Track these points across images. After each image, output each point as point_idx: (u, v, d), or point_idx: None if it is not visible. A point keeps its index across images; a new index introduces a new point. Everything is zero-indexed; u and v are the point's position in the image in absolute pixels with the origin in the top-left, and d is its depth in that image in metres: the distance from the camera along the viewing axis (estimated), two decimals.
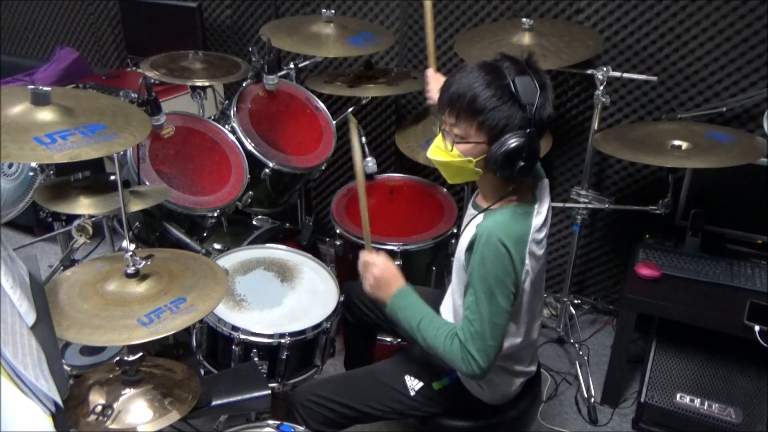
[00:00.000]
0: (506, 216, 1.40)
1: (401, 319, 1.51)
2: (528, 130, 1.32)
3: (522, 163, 1.34)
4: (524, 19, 2.16)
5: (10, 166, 2.65)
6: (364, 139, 2.42)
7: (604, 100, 2.13)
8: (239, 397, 1.46)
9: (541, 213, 1.45)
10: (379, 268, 1.54)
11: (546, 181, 1.55)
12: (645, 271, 2.15)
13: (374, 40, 2.38)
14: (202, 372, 1.83)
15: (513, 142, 1.32)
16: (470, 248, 1.41)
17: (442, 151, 1.43)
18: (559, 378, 2.43)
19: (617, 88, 2.41)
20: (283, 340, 1.69)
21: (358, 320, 1.92)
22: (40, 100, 1.39)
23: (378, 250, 1.58)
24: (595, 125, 2.19)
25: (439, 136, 1.44)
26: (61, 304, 1.28)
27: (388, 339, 2.23)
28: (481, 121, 1.34)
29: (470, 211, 1.55)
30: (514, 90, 1.31)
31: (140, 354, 1.28)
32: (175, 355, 1.93)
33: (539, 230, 1.44)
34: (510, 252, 1.35)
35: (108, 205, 1.56)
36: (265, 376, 1.69)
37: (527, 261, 1.40)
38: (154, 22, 3.03)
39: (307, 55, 2.50)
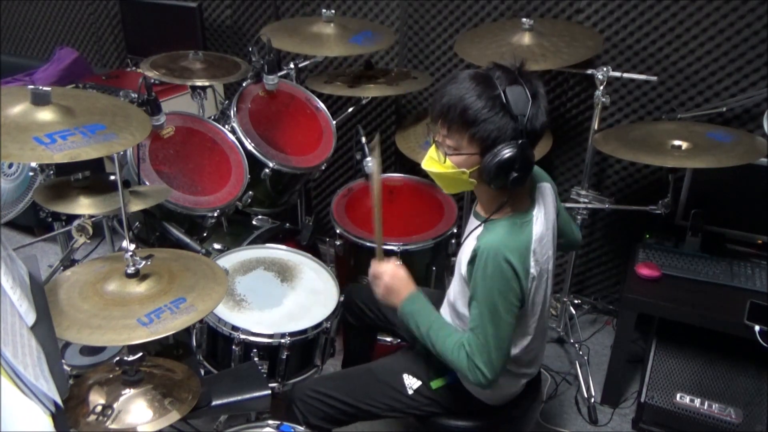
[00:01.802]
0: (506, 228, 1.40)
1: (411, 325, 1.53)
2: (520, 141, 1.32)
3: (515, 174, 1.33)
4: (524, 19, 2.16)
5: (10, 166, 2.65)
6: (364, 139, 2.42)
7: (604, 100, 2.13)
8: (239, 397, 1.46)
9: (539, 219, 1.45)
10: (389, 275, 1.57)
11: (546, 185, 1.54)
12: (645, 271, 2.15)
13: (375, 38, 2.38)
14: (202, 372, 1.83)
15: (505, 153, 1.32)
16: (472, 261, 1.41)
17: (436, 162, 1.43)
18: (559, 378, 2.43)
19: (617, 88, 2.41)
20: (283, 340, 1.69)
21: (359, 321, 1.92)
22: (40, 100, 1.38)
23: (388, 257, 1.61)
24: (595, 125, 2.19)
25: (433, 147, 1.44)
26: (61, 304, 1.28)
27: (389, 339, 2.23)
28: (472, 133, 1.34)
29: (472, 220, 1.55)
30: (505, 101, 1.31)
31: (140, 354, 1.28)
32: (175, 355, 1.93)
33: (541, 237, 1.43)
34: (514, 267, 1.35)
35: (108, 205, 1.56)
36: (265, 376, 1.69)
37: (532, 270, 1.40)
38: (154, 22, 3.03)
39: (307, 55, 2.50)
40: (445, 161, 1.40)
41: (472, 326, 1.41)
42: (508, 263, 1.35)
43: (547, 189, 1.54)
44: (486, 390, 1.53)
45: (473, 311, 1.41)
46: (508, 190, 1.39)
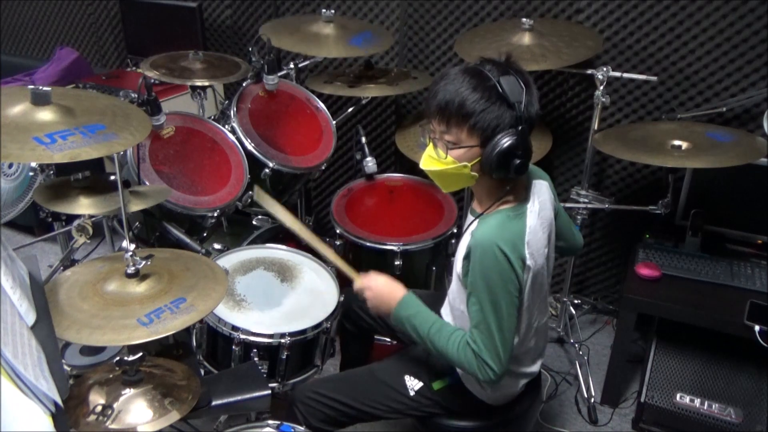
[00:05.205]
0: (499, 220, 1.40)
1: (408, 330, 1.52)
2: (519, 128, 1.33)
3: (518, 161, 1.35)
4: (524, 19, 2.16)
5: (10, 166, 2.65)
6: (364, 139, 2.42)
7: (604, 100, 2.13)
8: (239, 397, 1.46)
9: (533, 212, 1.45)
10: (371, 290, 1.57)
11: (543, 183, 1.54)
12: (645, 271, 2.15)
13: (374, 40, 2.38)
14: (202, 372, 1.83)
15: (506, 141, 1.33)
16: (467, 257, 1.41)
17: (436, 160, 1.43)
18: (559, 378, 2.43)
19: (617, 88, 2.41)
20: (283, 340, 1.69)
21: (357, 327, 1.92)
22: (40, 100, 1.38)
23: (359, 271, 1.63)
24: (595, 125, 2.19)
25: (430, 146, 1.44)
26: (61, 304, 1.28)
27: (387, 339, 2.23)
28: (472, 125, 1.35)
29: (468, 218, 1.56)
30: (500, 90, 1.32)
31: (140, 354, 1.28)
32: (175, 355, 1.92)
33: (534, 230, 1.43)
34: (508, 257, 1.35)
35: (108, 205, 1.56)
36: (265, 376, 1.69)
37: (528, 262, 1.40)
38: (154, 22, 3.03)
39: (307, 55, 2.51)
40: (446, 157, 1.40)
41: (474, 323, 1.41)
42: (503, 253, 1.35)
43: (543, 186, 1.54)
44: (490, 387, 1.53)
45: (473, 307, 1.40)
46: (509, 180, 1.40)
